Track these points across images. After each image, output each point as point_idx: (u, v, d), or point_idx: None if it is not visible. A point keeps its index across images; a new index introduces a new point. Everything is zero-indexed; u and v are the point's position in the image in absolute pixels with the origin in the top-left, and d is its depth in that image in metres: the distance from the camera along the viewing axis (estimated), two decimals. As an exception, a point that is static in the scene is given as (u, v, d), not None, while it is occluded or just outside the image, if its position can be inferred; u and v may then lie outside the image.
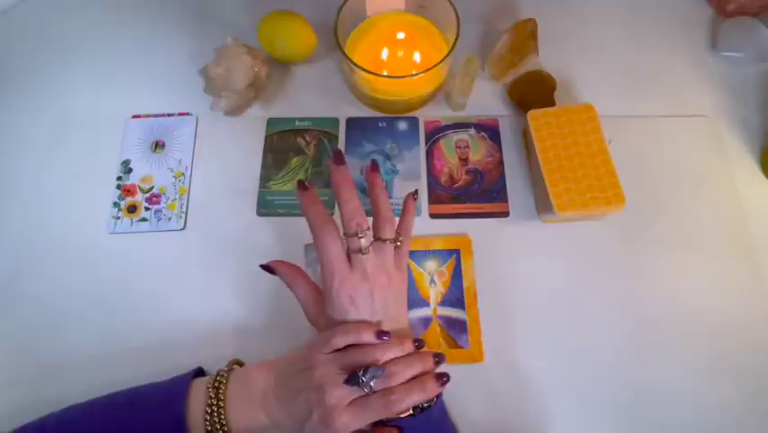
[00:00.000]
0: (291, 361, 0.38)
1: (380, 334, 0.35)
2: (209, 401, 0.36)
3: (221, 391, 0.37)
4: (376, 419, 0.34)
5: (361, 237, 0.36)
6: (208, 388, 0.37)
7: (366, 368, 0.34)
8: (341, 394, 0.34)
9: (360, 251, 0.36)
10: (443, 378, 0.36)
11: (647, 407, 0.44)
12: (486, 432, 0.43)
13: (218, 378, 0.38)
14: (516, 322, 0.47)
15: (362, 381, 0.33)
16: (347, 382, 0.34)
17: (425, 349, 0.38)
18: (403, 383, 0.35)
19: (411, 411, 0.35)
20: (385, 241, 0.38)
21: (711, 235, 0.50)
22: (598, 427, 0.44)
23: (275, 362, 0.39)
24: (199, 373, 0.42)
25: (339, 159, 0.38)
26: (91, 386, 0.45)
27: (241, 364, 0.42)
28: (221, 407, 0.36)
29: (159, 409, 0.37)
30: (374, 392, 0.34)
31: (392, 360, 0.35)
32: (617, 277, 0.48)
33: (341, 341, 0.35)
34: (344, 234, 0.37)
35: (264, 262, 0.48)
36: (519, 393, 0.44)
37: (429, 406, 0.36)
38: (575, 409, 0.44)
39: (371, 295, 0.37)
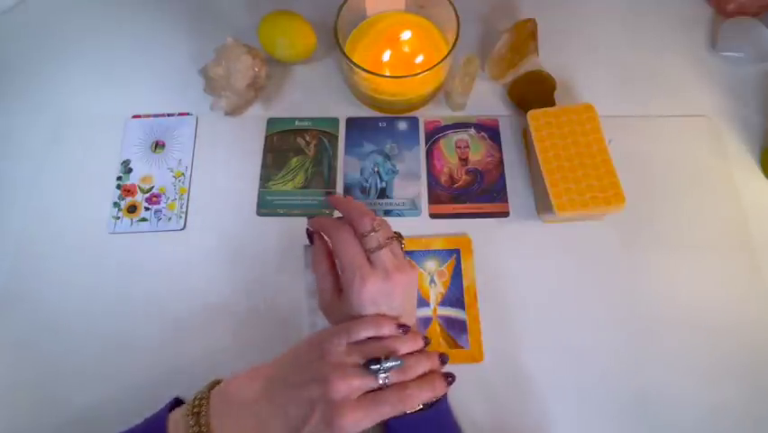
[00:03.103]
0: (295, 355, 0.36)
1: (401, 326, 0.36)
2: (190, 431, 0.33)
3: (201, 415, 0.34)
4: (389, 415, 0.33)
5: (377, 231, 0.36)
6: (187, 416, 0.34)
7: (386, 357, 0.33)
8: (350, 387, 0.32)
9: (379, 246, 0.36)
10: (449, 377, 0.36)
11: (647, 406, 0.44)
12: (486, 432, 0.43)
13: (196, 403, 0.35)
14: (516, 322, 0.47)
15: (383, 367, 0.33)
16: (366, 366, 0.33)
17: (430, 348, 0.38)
18: (415, 379, 0.35)
19: (421, 406, 0.35)
20: (388, 239, 0.38)
21: (711, 235, 0.50)
22: (597, 426, 0.44)
23: (264, 367, 0.36)
24: (177, 403, 0.38)
25: (328, 195, 0.40)
26: (91, 386, 0.45)
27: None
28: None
29: None
30: (387, 387, 0.33)
31: (408, 354, 0.35)
32: (617, 277, 0.48)
33: (362, 332, 0.35)
34: (360, 236, 0.37)
35: (264, 262, 0.49)
36: (519, 393, 0.44)
37: (434, 404, 0.36)
38: (575, 408, 0.44)
39: (392, 294, 0.36)
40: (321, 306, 0.40)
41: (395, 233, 0.39)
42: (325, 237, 0.40)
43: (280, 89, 0.57)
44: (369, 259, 0.37)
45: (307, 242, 0.42)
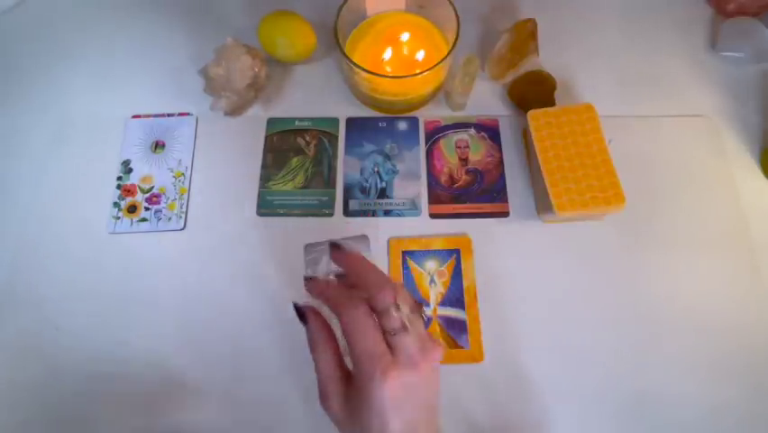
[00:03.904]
0: None
1: None
2: None
3: None
4: None
5: (399, 311, 0.30)
6: None
7: None
8: None
9: (403, 327, 0.30)
10: None
11: (647, 406, 0.44)
12: (486, 432, 0.43)
13: None
14: (516, 322, 0.47)
15: None
16: None
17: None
18: None
19: None
20: (411, 314, 0.32)
21: (711, 235, 0.50)
22: (597, 426, 0.44)
23: None
24: None
25: (336, 247, 0.34)
26: (90, 386, 0.45)
27: None
28: None
29: None
30: None
31: None
32: (617, 276, 0.48)
33: None
34: (375, 312, 0.31)
35: (264, 262, 0.49)
36: (519, 393, 0.44)
37: None
38: (575, 408, 0.44)
39: (418, 386, 0.30)
40: (325, 406, 0.33)
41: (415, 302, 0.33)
42: (328, 308, 0.33)
43: (280, 89, 0.57)
44: (387, 342, 0.31)
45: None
